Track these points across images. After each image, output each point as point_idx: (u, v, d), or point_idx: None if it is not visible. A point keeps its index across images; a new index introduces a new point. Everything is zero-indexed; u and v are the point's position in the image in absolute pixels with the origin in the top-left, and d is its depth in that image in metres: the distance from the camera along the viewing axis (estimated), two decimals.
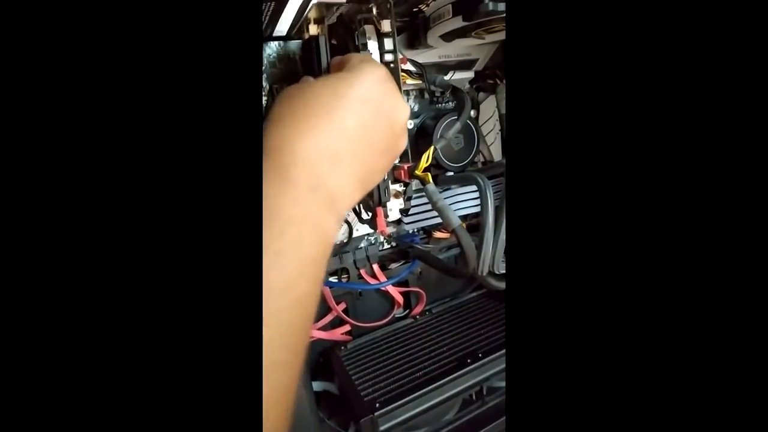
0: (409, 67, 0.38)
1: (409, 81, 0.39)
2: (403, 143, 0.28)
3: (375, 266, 0.46)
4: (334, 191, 0.23)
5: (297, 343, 0.20)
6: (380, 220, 0.32)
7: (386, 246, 0.49)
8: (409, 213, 0.41)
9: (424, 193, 0.37)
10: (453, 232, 0.32)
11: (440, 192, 0.34)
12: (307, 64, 0.34)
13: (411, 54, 0.41)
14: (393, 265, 0.48)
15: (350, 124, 0.23)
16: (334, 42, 0.38)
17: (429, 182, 0.32)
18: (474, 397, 0.39)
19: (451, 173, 0.45)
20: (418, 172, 0.33)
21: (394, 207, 0.36)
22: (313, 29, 0.34)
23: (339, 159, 0.23)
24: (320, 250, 0.22)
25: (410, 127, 0.45)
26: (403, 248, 0.48)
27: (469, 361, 0.39)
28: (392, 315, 0.48)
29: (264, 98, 0.43)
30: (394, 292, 0.47)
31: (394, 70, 0.34)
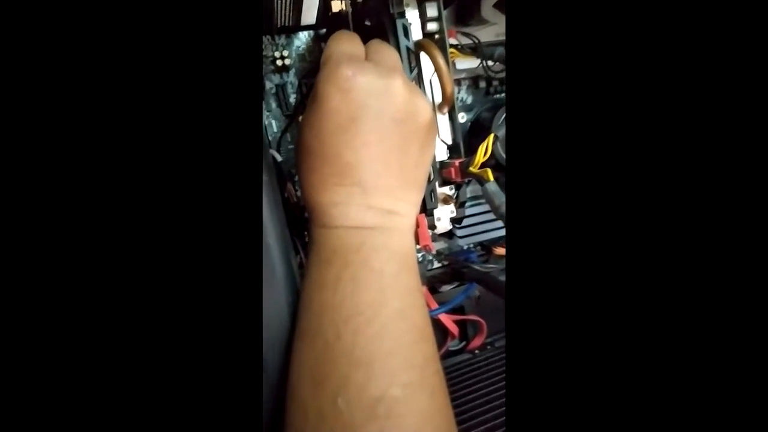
0: (458, 40, 0.31)
1: (460, 60, 0.32)
2: (422, 107, 0.23)
3: (423, 289, 0.39)
4: (382, 208, 0.22)
5: (415, 356, 0.20)
6: (423, 232, 0.25)
7: (436, 264, 0.42)
8: (463, 223, 0.34)
9: (481, 199, 0.29)
10: None
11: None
12: None
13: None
14: (445, 288, 0.41)
15: (350, 158, 0.21)
16: (368, 23, 0.33)
17: (490, 179, 0.25)
18: None
19: None
20: (473, 169, 0.25)
21: (444, 216, 0.29)
22: (336, 5, 0.28)
23: (366, 186, 0.22)
24: (396, 264, 0.22)
25: (462, 121, 0.38)
26: (456, 268, 0.41)
27: None
28: (445, 347, 0.41)
29: (294, 96, 0.38)
30: (447, 320, 0.40)
31: (440, 42, 0.27)
